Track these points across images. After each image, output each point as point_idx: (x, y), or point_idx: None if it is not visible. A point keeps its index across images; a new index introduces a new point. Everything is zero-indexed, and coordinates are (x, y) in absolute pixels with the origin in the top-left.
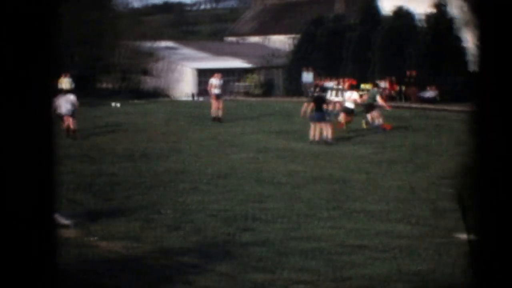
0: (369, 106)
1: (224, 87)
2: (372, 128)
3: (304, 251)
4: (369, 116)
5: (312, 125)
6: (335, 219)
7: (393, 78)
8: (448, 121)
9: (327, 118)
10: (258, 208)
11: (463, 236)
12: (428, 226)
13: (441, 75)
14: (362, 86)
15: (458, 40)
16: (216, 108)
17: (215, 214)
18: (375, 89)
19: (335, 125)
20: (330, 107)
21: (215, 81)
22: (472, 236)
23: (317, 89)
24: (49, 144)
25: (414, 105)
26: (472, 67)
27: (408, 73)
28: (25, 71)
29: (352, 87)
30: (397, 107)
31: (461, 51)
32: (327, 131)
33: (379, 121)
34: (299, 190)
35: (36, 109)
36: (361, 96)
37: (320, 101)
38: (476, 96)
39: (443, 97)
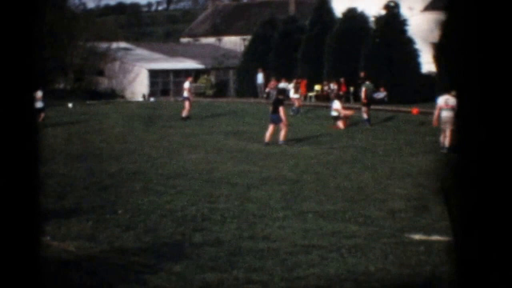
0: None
1: (178, 88)
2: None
3: (256, 251)
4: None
5: (270, 126)
6: (286, 219)
7: (342, 80)
8: (396, 121)
9: (293, 114)
10: (210, 208)
11: (411, 236)
12: (376, 226)
13: (390, 76)
14: (316, 87)
15: (410, 41)
16: (188, 109)
17: (168, 214)
18: (371, 84)
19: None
20: (297, 104)
21: (188, 84)
22: (456, 234)
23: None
24: (33, 145)
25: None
26: (423, 68)
27: (361, 74)
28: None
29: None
30: (347, 108)
31: (412, 52)
32: (281, 133)
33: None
34: (251, 190)
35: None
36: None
37: (276, 103)
38: (458, 95)
39: (392, 98)
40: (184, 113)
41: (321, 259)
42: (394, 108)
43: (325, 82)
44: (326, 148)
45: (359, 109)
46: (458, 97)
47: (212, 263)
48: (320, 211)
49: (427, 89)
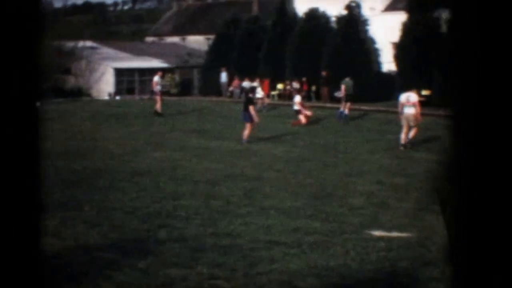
0: (348, 96)
1: (143, 87)
2: (342, 118)
3: (219, 247)
4: (342, 106)
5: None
6: (249, 215)
7: (304, 79)
8: (357, 120)
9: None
10: (174, 205)
11: (371, 232)
12: (337, 222)
13: (352, 75)
14: (279, 86)
15: (370, 41)
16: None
17: (132, 211)
18: (351, 80)
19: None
20: (259, 104)
21: (156, 79)
22: (451, 231)
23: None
24: (34, 142)
25: (326, 105)
26: (380, 67)
27: (323, 73)
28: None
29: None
30: (310, 107)
31: (372, 52)
32: (244, 131)
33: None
34: (214, 187)
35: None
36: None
37: (246, 102)
38: (454, 96)
39: (354, 97)
40: (158, 108)
41: (283, 255)
42: (356, 106)
43: (287, 81)
44: (288, 146)
45: (321, 108)
46: (453, 102)
47: (176, 259)
48: (282, 208)
49: (387, 88)
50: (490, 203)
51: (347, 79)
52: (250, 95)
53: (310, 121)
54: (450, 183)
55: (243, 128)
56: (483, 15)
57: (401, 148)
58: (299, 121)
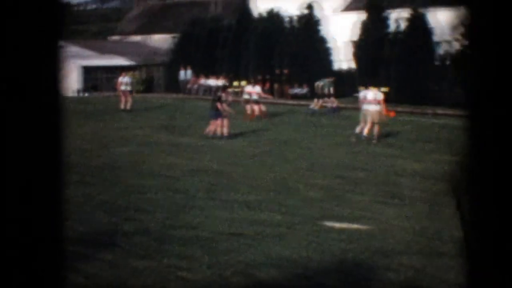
0: (323, 94)
1: (109, 84)
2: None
3: (183, 239)
4: (322, 101)
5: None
6: (212, 209)
7: (260, 77)
8: (317, 116)
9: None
10: (140, 199)
11: (332, 224)
12: (297, 215)
13: (310, 73)
14: (235, 83)
15: (323, 40)
16: (124, 101)
17: (100, 205)
18: (329, 80)
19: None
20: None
21: (121, 79)
22: (467, 231)
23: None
24: (57, 146)
25: (287, 102)
26: (336, 66)
27: (280, 71)
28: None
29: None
30: (270, 103)
31: (326, 51)
32: (221, 128)
33: (333, 104)
34: (179, 181)
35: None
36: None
37: (214, 100)
38: (470, 96)
39: (313, 94)
40: (128, 106)
41: (246, 247)
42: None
43: (251, 79)
44: (251, 142)
45: (281, 105)
46: (470, 101)
47: (143, 251)
48: (244, 201)
49: (343, 85)
50: (508, 202)
51: (326, 80)
52: (219, 93)
53: (267, 117)
54: (467, 183)
55: (206, 125)
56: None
57: (353, 139)
58: (253, 113)
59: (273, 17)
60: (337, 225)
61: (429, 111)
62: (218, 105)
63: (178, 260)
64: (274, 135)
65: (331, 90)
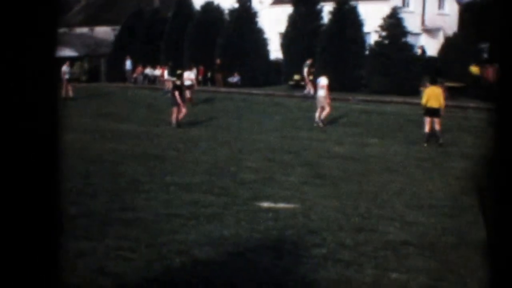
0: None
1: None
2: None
3: (124, 221)
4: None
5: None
6: (151, 191)
7: (201, 67)
8: (249, 102)
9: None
10: (84, 184)
11: (261, 204)
12: (230, 196)
13: (243, 63)
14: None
15: (259, 32)
16: (65, 90)
17: None
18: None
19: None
20: (167, 86)
21: (65, 68)
22: (491, 232)
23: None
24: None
25: (221, 89)
26: (269, 56)
27: (221, 61)
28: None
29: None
30: (206, 91)
31: (262, 41)
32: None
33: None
34: (120, 166)
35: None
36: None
37: (173, 89)
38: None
39: (245, 82)
40: (71, 94)
41: (182, 227)
42: (246, 90)
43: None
44: (187, 127)
45: (216, 92)
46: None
47: (85, 233)
48: (181, 184)
49: (275, 74)
50: None
51: (308, 62)
52: (177, 82)
53: (195, 103)
54: (491, 181)
55: (147, 112)
56: None
57: (319, 124)
58: (190, 97)
59: (212, 9)
60: (266, 204)
61: (349, 97)
62: (175, 93)
63: (119, 240)
64: (208, 121)
65: (305, 71)
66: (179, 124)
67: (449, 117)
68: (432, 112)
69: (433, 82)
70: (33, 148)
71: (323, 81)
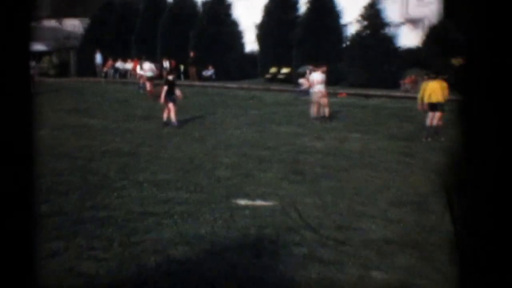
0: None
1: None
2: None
3: (97, 220)
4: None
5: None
6: (124, 189)
7: (173, 60)
8: (224, 97)
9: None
10: (55, 181)
11: (237, 201)
12: (205, 193)
13: (217, 56)
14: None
15: (234, 24)
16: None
17: None
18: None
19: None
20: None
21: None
22: (458, 228)
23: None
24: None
25: (195, 83)
26: (244, 48)
27: (195, 54)
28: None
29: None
30: (179, 85)
31: (236, 33)
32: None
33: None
34: (92, 163)
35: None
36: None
37: (164, 83)
38: (464, 87)
39: (219, 75)
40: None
41: (156, 225)
42: (221, 84)
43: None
44: (159, 123)
45: (189, 86)
46: (464, 90)
47: (57, 232)
48: (154, 181)
49: (250, 67)
50: (500, 198)
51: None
52: (169, 77)
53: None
54: (458, 179)
55: (118, 107)
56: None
57: (315, 121)
58: (151, 90)
59: (185, 0)
60: (242, 202)
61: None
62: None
63: (91, 239)
64: (181, 116)
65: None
66: (167, 121)
67: None
68: (434, 107)
69: (433, 77)
70: (7, 145)
71: (318, 76)
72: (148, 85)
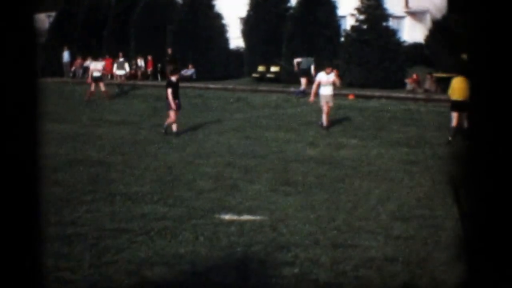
0: (304, 72)
1: None
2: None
3: (64, 237)
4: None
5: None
6: (94, 202)
7: (149, 57)
8: (206, 99)
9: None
10: None
11: (221, 216)
12: (185, 207)
13: (198, 53)
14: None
15: (217, 17)
16: None
17: None
18: (311, 58)
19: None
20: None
21: None
22: (465, 222)
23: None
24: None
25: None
26: (228, 44)
27: (173, 51)
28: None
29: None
30: (156, 86)
31: (220, 28)
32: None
33: (305, 87)
34: (57, 173)
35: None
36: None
37: (166, 86)
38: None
39: (201, 75)
40: None
41: (130, 243)
42: (202, 85)
43: (133, 60)
44: (134, 128)
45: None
46: (471, 84)
47: None
48: (128, 193)
49: (236, 65)
50: (506, 194)
51: (304, 58)
52: (172, 78)
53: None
54: (466, 174)
55: (88, 111)
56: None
57: (324, 131)
58: (90, 92)
59: None
60: (227, 217)
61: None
62: (168, 91)
63: (58, 259)
64: (158, 121)
65: (312, 68)
66: (166, 129)
67: (438, 114)
68: (458, 106)
69: (460, 73)
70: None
71: (329, 77)
72: (101, 86)
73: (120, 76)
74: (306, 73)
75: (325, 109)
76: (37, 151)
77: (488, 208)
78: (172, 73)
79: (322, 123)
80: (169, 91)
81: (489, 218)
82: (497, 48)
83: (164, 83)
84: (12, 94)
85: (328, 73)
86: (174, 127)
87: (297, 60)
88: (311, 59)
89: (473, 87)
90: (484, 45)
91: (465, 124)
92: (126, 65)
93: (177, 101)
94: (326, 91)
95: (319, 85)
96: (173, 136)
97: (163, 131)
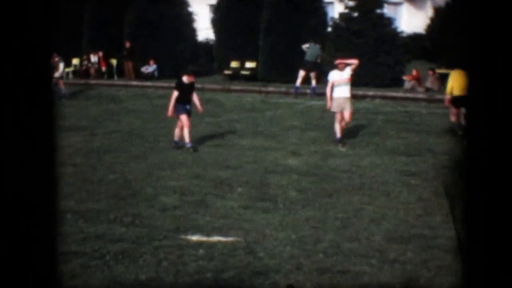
0: (311, 63)
1: None
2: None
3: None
4: (312, 75)
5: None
6: None
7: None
8: (169, 100)
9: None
10: None
11: (188, 237)
12: (146, 227)
13: (160, 47)
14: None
15: (183, 4)
16: None
17: None
18: (318, 46)
19: None
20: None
21: None
22: (460, 230)
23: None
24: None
25: (131, 83)
26: (200, 35)
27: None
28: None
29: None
30: (112, 85)
31: (186, 16)
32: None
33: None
34: None
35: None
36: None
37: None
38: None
39: (163, 72)
40: None
41: (83, 269)
42: (166, 84)
43: (84, 56)
44: (87, 135)
45: (124, 87)
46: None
47: None
48: (80, 211)
49: (205, 61)
50: (502, 201)
51: (311, 44)
52: (184, 79)
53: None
54: (460, 182)
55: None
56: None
57: (341, 147)
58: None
59: None
60: (195, 238)
61: (308, 90)
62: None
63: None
64: (115, 126)
65: (318, 59)
66: (178, 142)
67: (441, 116)
68: (456, 101)
69: (459, 65)
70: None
71: (343, 74)
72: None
73: (56, 78)
74: (309, 65)
75: (338, 117)
76: None
77: (485, 216)
78: (184, 74)
79: (336, 137)
80: (174, 93)
81: (485, 224)
82: (497, 41)
83: (121, 82)
84: None
85: (341, 69)
86: (187, 136)
87: (305, 45)
88: (316, 48)
89: (472, 82)
90: (485, 38)
91: (463, 122)
92: (61, 66)
93: (187, 106)
94: (341, 92)
95: (332, 87)
96: (190, 149)
97: (174, 144)
